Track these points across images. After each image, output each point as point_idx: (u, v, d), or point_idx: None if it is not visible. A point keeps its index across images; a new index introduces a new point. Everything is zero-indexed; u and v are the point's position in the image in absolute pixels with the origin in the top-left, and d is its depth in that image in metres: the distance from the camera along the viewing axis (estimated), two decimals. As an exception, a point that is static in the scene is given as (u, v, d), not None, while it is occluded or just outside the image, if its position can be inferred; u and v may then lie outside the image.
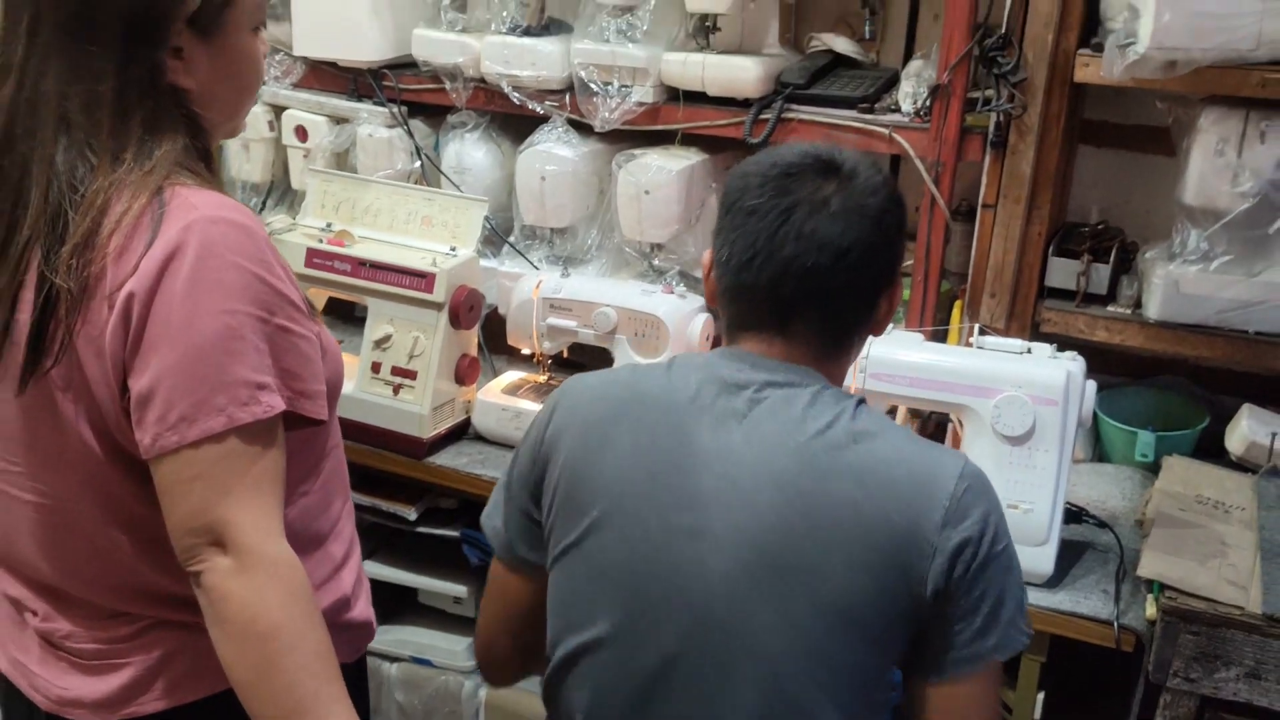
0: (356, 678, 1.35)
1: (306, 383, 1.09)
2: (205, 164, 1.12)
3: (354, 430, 1.89)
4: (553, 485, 1.20)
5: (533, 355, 2.00)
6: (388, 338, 1.90)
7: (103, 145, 1.05)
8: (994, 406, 1.56)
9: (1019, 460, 1.57)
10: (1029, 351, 1.63)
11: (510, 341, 2.00)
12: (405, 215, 2.00)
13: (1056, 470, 1.56)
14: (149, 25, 1.06)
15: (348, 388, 1.92)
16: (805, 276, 1.13)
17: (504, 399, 1.94)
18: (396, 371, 1.89)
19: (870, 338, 1.26)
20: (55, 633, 1.18)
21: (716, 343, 1.58)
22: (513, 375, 2.04)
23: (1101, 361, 2.00)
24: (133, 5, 1.04)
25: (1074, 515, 1.69)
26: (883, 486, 1.09)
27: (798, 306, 1.16)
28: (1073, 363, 1.60)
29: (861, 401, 1.16)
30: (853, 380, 1.63)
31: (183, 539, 1.04)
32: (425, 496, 1.98)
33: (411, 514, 1.95)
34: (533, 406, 1.92)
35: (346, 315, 2.39)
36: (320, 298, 2.05)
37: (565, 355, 2.03)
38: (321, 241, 1.95)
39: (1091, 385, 1.60)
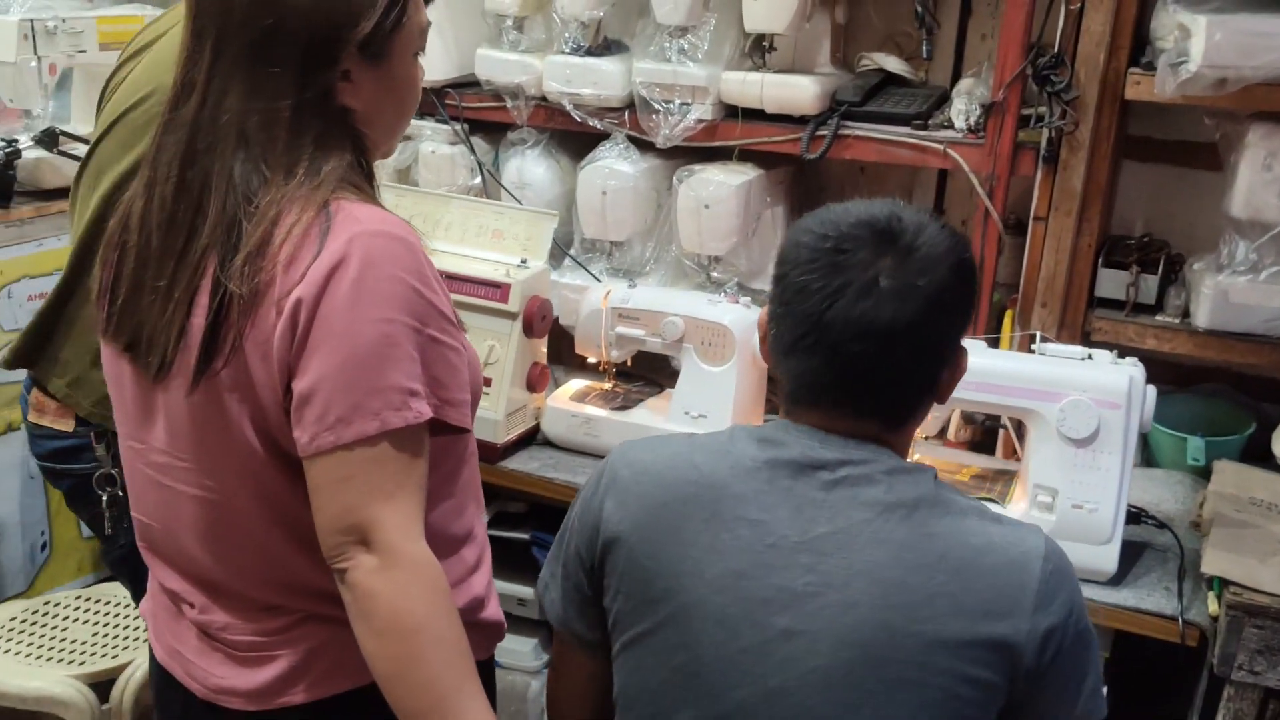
0: (487, 675, 1.40)
1: (452, 392, 1.15)
2: (367, 180, 1.19)
3: None
4: (618, 571, 1.18)
5: (599, 364, 2.06)
6: None
7: (277, 161, 1.11)
8: (1059, 410, 1.62)
9: (1083, 462, 1.63)
10: (1090, 357, 1.69)
11: (578, 350, 2.06)
12: (476, 228, 2.07)
13: (1120, 472, 1.62)
14: (325, 49, 1.12)
15: None
16: (854, 363, 1.11)
17: (573, 405, 2.01)
18: None
19: None
20: (212, 624, 1.24)
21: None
22: (578, 383, 2.11)
23: (1147, 370, 2.05)
24: (311, 31, 1.11)
25: (1133, 516, 1.74)
26: (977, 577, 1.08)
27: (851, 390, 1.14)
28: (1134, 368, 1.66)
29: (935, 477, 1.15)
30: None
31: (331, 537, 1.10)
32: (495, 501, 2.04)
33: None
34: (600, 412, 1.99)
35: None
36: None
37: (629, 364, 2.09)
38: None
39: (1152, 390, 1.66)
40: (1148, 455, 2.11)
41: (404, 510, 1.10)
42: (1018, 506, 1.69)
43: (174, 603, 1.28)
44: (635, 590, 1.17)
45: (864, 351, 1.11)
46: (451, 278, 1.95)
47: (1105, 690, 1.17)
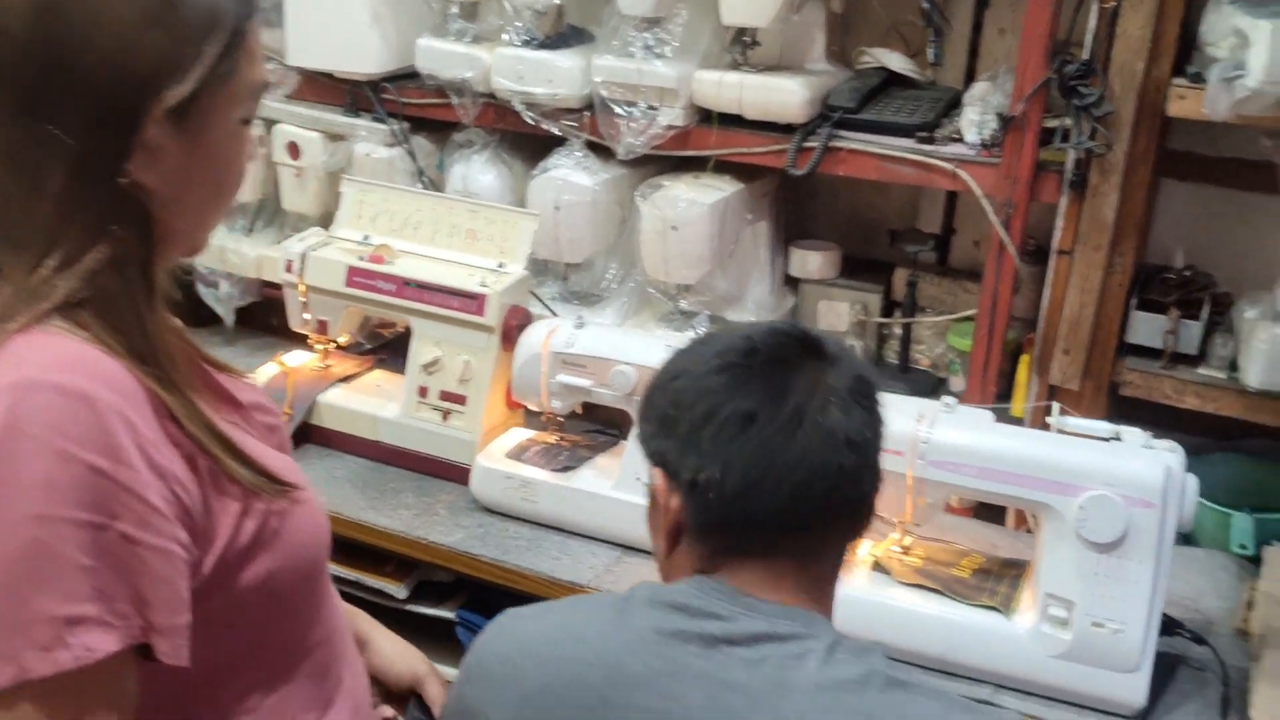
0: None
1: (160, 614, 0.81)
2: (144, 287, 0.86)
3: (401, 458, 1.83)
4: None
5: (540, 414, 1.77)
6: (436, 361, 1.79)
7: (24, 244, 0.82)
8: (1079, 508, 1.33)
9: (1107, 570, 1.33)
10: (1118, 438, 1.39)
11: (515, 398, 1.77)
12: (448, 228, 1.86)
13: (1152, 583, 1.32)
14: (122, 108, 0.83)
15: (392, 412, 1.84)
16: (837, 480, 0.94)
17: (508, 464, 1.71)
18: (445, 396, 1.80)
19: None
20: None
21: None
22: (518, 433, 1.81)
23: (1179, 418, 1.76)
24: (109, 84, 0.82)
25: (1165, 625, 1.45)
26: None
27: (827, 519, 0.96)
28: (1171, 454, 1.36)
29: (883, 655, 0.94)
30: (909, 468, 1.40)
31: None
32: (418, 569, 1.75)
33: (402, 591, 1.72)
34: (539, 474, 1.69)
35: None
36: (355, 317, 1.93)
37: (579, 411, 1.79)
38: (362, 258, 1.82)
39: (1193, 481, 1.35)
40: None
41: None
42: (1025, 618, 1.40)
43: None
44: None
45: (843, 467, 0.94)
46: (422, 287, 1.78)
47: None
